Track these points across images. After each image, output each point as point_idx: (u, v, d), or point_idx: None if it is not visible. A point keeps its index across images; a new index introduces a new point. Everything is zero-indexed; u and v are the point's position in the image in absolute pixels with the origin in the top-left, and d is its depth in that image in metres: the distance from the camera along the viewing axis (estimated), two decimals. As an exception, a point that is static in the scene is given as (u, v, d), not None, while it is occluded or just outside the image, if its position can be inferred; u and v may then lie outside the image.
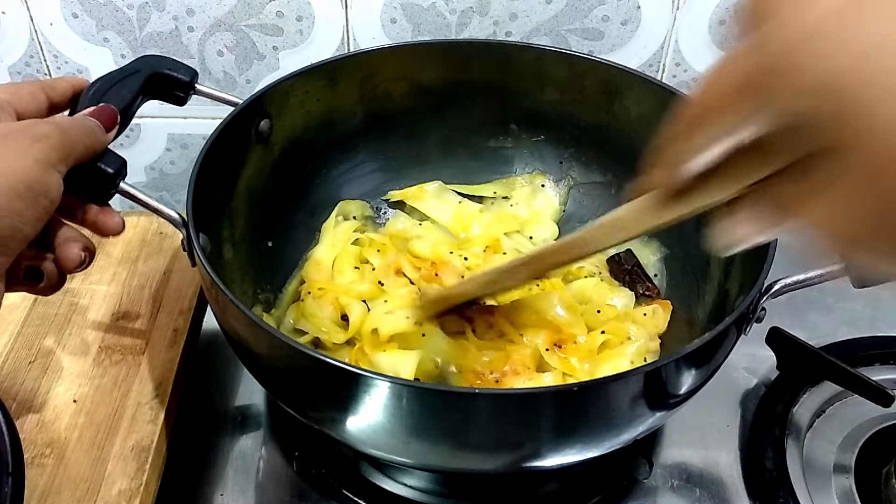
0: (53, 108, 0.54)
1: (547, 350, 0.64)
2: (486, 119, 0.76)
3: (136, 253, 0.73)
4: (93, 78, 0.60)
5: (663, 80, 0.80)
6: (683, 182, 0.37)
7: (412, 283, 0.70)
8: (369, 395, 0.47)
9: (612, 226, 0.48)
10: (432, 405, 0.48)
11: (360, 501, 0.62)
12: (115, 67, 0.66)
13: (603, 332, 0.65)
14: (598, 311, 0.68)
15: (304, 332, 0.66)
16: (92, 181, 0.51)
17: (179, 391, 0.63)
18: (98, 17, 0.79)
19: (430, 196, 0.77)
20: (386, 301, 0.67)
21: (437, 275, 0.70)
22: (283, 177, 0.71)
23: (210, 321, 0.67)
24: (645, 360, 0.64)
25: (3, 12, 0.79)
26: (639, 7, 0.77)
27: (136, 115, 0.60)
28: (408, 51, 0.73)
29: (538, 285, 0.69)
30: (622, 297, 0.70)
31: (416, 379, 0.60)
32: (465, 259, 0.72)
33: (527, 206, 0.77)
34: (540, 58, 0.71)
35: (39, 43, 0.81)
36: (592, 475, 0.64)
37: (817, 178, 0.29)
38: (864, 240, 0.28)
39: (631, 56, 0.80)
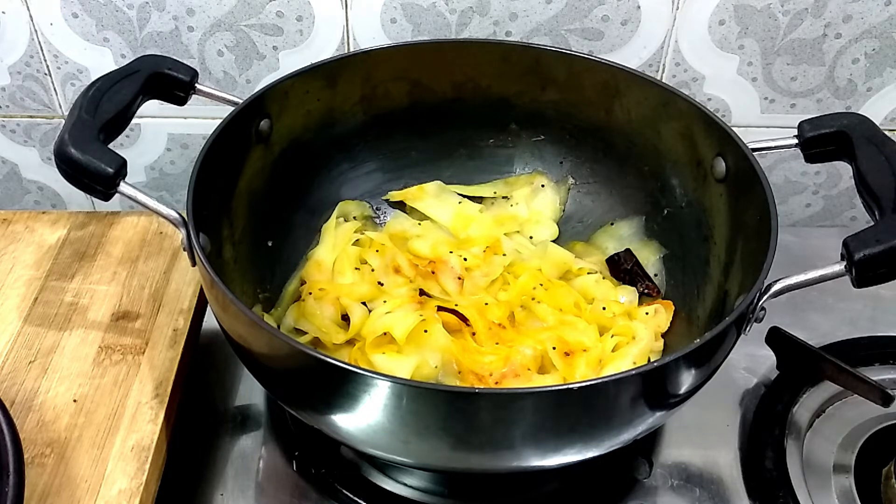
0: None
1: (554, 348, 0.63)
2: (486, 119, 0.76)
3: (136, 253, 0.73)
4: (93, 78, 0.61)
5: (663, 80, 0.80)
6: None
7: (411, 281, 0.70)
8: (369, 395, 0.47)
9: None
10: (432, 405, 0.48)
11: (360, 501, 0.62)
12: (115, 67, 0.67)
13: (613, 335, 0.65)
14: (604, 308, 0.68)
15: (304, 332, 0.66)
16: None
17: (179, 391, 0.63)
18: (98, 17, 0.79)
19: (430, 196, 0.77)
20: (385, 301, 0.67)
21: (433, 273, 0.70)
22: (283, 177, 0.71)
23: (210, 321, 0.67)
24: (649, 360, 0.64)
25: (3, 12, 0.79)
26: (639, 7, 0.77)
27: (136, 115, 0.61)
28: (408, 51, 0.73)
29: (542, 285, 0.69)
30: (626, 294, 0.71)
31: (414, 379, 0.60)
32: (465, 259, 0.72)
33: (527, 206, 0.77)
34: (540, 58, 0.71)
35: (39, 43, 0.81)
36: (592, 475, 0.64)
37: None
38: None
39: (631, 56, 0.80)
